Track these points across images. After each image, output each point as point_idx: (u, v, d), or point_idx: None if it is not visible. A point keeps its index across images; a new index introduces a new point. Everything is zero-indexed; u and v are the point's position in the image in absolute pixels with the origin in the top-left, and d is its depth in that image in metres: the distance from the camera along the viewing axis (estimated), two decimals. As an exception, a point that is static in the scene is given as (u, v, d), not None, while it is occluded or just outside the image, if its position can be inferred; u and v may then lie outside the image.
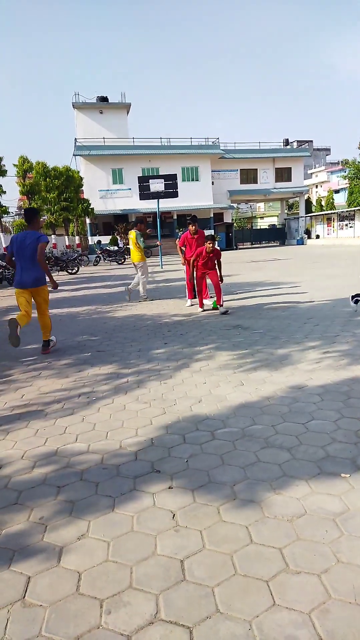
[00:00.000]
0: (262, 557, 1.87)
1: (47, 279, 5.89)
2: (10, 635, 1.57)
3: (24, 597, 1.75)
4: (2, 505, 2.39)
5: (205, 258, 7.94)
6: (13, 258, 5.79)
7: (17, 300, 5.78)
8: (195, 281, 8.57)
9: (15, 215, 52.17)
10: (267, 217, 72.18)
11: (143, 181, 21.02)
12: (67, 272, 21.05)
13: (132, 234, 10.00)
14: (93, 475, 2.63)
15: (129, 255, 30.05)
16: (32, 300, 5.81)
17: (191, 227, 8.86)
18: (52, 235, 31.15)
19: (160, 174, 30.91)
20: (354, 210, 33.61)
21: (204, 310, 7.97)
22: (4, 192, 22.85)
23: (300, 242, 39.43)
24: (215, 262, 8.03)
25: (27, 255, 5.64)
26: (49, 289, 6.00)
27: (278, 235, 44.75)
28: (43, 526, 2.18)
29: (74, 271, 21.06)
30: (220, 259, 8.10)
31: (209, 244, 7.83)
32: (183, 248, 9.03)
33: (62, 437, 3.19)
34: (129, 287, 10.50)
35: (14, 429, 3.40)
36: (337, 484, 2.37)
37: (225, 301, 9.25)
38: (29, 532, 2.14)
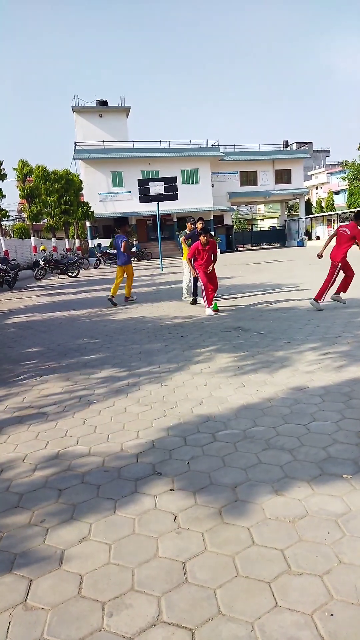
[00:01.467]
0: (264, 559, 1.87)
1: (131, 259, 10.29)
2: (12, 638, 1.57)
3: (25, 600, 1.74)
4: (3, 508, 2.38)
5: (201, 254, 7.97)
6: (113, 250, 11.79)
7: (117, 272, 10.45)
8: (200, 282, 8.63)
9: (15, 219, 52.24)
10: (267, 219, 72.19)
11: (143, 184, 21.05)
12: (68, 275, 21.06)
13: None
14: (94, 478, 2.63)
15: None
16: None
17: (202, 238, 8.09)
18: (52, 239, 31.19)
19: (160, 176, 30.94)
20: (354, 212, 33.63)
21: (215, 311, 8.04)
22: (4, 196, 22.85)
23: (301, 243, 39.42)
24: (212, 256, 8.11)
25: (119, 248, 10.17)
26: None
27: (278, 237, 44.73)
28: (44, 529, 2.18)
29: (74, 274, 21.07)
30: (217, 252, 8.26)
31: (203, 237, 7.84)
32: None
33: (63, 440, 3.19)
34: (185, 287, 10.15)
35: (15, 432, 3.40)
36: (338, 485, 2.37)
37: (224, 302, 9.26)
38: (31, 535, 2.14)
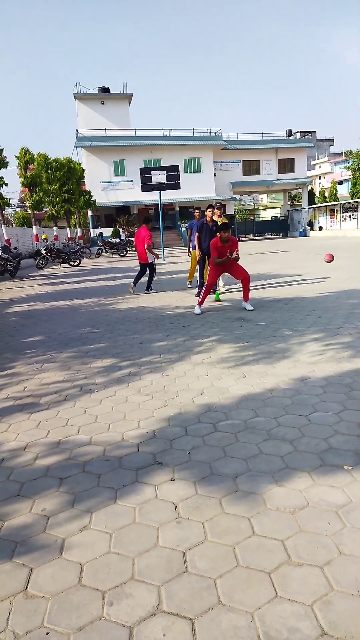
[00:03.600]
0: (264, 549, 1.87)
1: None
2: (12, 626, 1.58)
3: (26, 588, 1.75)
4: (4, 497, 2.39)
5: (220, 250, 7.14)
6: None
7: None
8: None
9: (17, 207, 52.04)
10: (270, 209, 71.75)
11: (145, 173, 20.90)
12: (69, 264, 21.01)
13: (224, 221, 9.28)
14: (95, 467, 2.63)
15: (131, 247, 30.12)
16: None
17: (223, 234, 7.12)
18: (54, 228, 31.07)
19: (162, 165, 30.71)
20: (357, 202, 33.37)
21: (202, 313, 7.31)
22: (6, 184, 22.70)
23: (303, 233, 39.21)
24: (235, 254, 7.14)
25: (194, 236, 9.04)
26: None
27: (281, 227, 44.48)
28: (45, 518, 2.18)
29: (75, 264, 21.03)
30: (238, 251, 7.25)
31: (224, 233, 7.04)
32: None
33: (64, 429, 3.20)
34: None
35: (16, 420, 3.40)
36: (339, 476, 2.37)
37: (226, 292, 9.23)
38: (31, 524, 2.14)
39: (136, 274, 10.46)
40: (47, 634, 1.54)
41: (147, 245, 9.67)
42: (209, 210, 8.35)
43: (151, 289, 10.21)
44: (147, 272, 10.25)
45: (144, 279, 10.46)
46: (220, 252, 7.17)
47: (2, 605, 1.67)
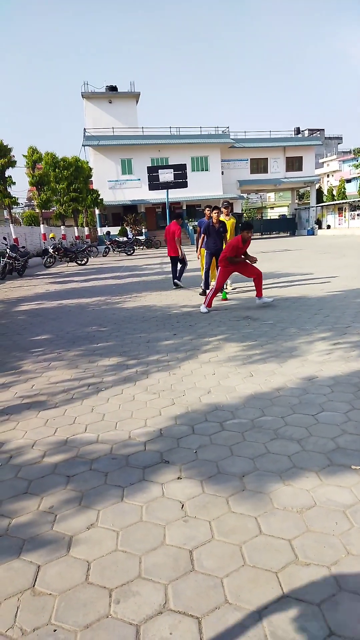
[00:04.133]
0: (272, 548, 1.87)
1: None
2: (20, 623, 1.59)
3: (33, 585, 1.76)
4: (12, 494, 2.40)
5: (239, 252, 7.02)
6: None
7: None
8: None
9: (25, 206, 52.25)
10: (278, 207, 71.41)
11: (152, 171, 20.95)
12: (77, 263, 21.08)
13: (233, 220, 9.03)
14: (102, 465, 2.64)
15: (138, 245, 30.16)
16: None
17: (247, 234, 6.98)
18: (62, 227, 31.16)
19: (169, 164, 30.71)
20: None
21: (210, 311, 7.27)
22: (14, 183, 22.80)
23: (311, 232, 39.02)
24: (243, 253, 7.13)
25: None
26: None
27: (288, 226, 44.30)
28: (53, 515, 2.19)
29: (83, 262, 21.08)
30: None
31: (247, 232, 6.93)
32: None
33: (72, 427, 3.21)
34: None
35: (24, 418, 3.42)
36: (347, 476, 2.35)
37: (233, 291, 9.21)
38: (39, 521, 2.15)
39: (173, 271, 10.69)
40: (55, 631, 1.54)
41: (177, 238, 10.08)
42: (215, 212, 8.20)
43: (179, 281, 10.58)
44: (179, 265, 10.59)
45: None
46: (239, 253, 7.05)
47: (10, 602, 1.68)
